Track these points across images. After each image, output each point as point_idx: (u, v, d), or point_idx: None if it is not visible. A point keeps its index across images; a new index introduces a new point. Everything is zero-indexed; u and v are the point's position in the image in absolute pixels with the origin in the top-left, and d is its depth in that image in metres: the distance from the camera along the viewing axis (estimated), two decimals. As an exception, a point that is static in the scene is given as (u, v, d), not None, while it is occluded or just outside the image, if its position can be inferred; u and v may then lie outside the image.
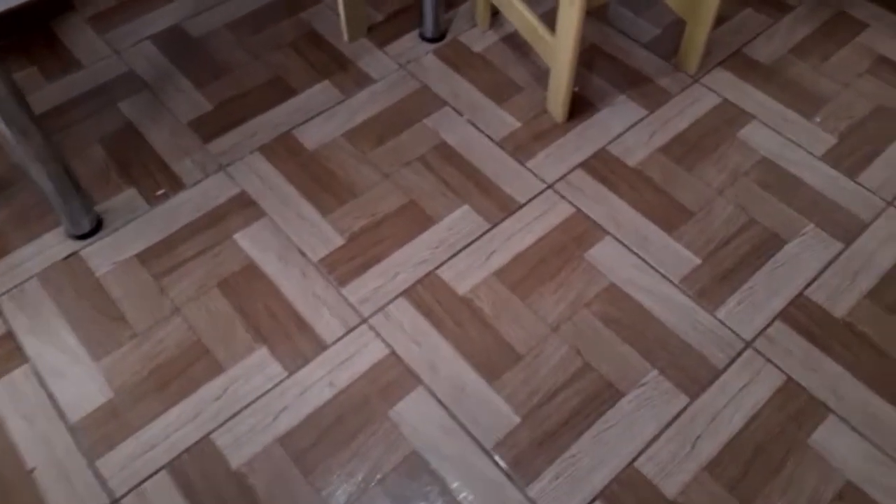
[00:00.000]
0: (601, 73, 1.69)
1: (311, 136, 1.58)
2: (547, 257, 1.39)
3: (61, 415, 1.20)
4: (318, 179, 1.50)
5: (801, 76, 1.67)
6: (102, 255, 1.40)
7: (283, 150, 1.55)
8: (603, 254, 1.39)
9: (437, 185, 1.50)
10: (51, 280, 1.36)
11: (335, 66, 1.71)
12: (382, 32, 1.79)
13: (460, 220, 1.44)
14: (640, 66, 1.70)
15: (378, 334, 1.28)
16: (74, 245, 1.41)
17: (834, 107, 1.62)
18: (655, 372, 1.24)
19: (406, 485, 1.12)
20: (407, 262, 1.38)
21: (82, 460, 1.15)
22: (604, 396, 1.21)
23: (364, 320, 1.30)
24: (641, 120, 1.60)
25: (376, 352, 1.26)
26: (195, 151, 1.55)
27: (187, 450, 1.16)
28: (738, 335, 1.28)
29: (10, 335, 1.29)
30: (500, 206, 1.46)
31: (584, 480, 1.13)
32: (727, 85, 1.66)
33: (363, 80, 1.68)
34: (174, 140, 1.57)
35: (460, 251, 1.40)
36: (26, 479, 1.14)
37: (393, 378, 1.23)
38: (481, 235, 1.42)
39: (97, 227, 1.44)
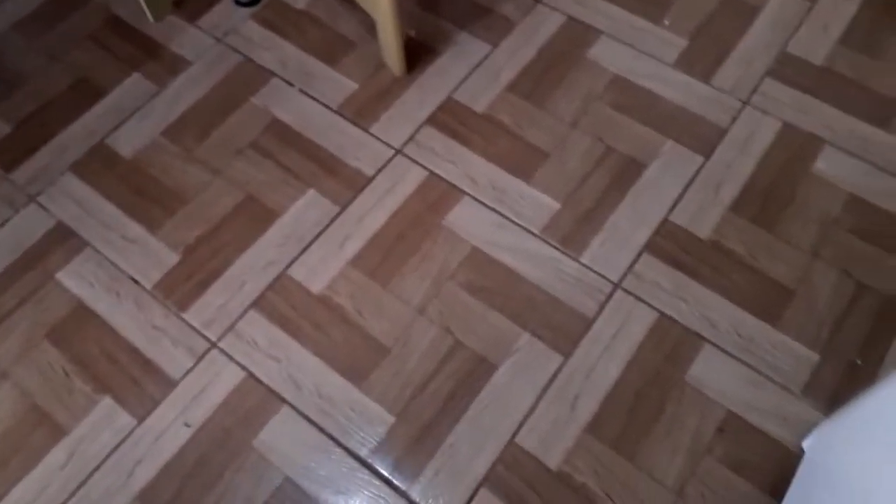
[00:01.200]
0: (439, 9, 1.55)
1: (128, 142, 1.41)
2: (404, 232, 1.29)
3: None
4: (141, 191, 1.35)
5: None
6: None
7: (98, 164, 1.38)
8: (461, 217, 1.30)
9: (275, 172, 1.36)
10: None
11: (144, 55, 1.52)
12: (192, 4, 1.59)
13: (306, 207, 1.32)
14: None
15: (231, 357, 1.18)
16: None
17: (681, 5, 1.52)
18: (527, 335, 1.18)
19: (284, 514, 1.06)
20: (252, 267, 1.26)
21: None
22: (477, 373, 1.15)
23: (213, 345, 1.19)
24: (486, 58, 1.48)
25: (231, 377, 1.16)
26: (-1, 185, 1.38)
27: None
28: (605, 278, 1.23)
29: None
30: (347, 185, 1.35)
31: (466, 470, 1.08)
32: (566, 3, 1.54)
33: (178, 65, 1.50)
34: None
35: (311, 244, 1.29)
36: None
37: (254, 403, 1.14)
38: (331, 222, 1.31)
39: None
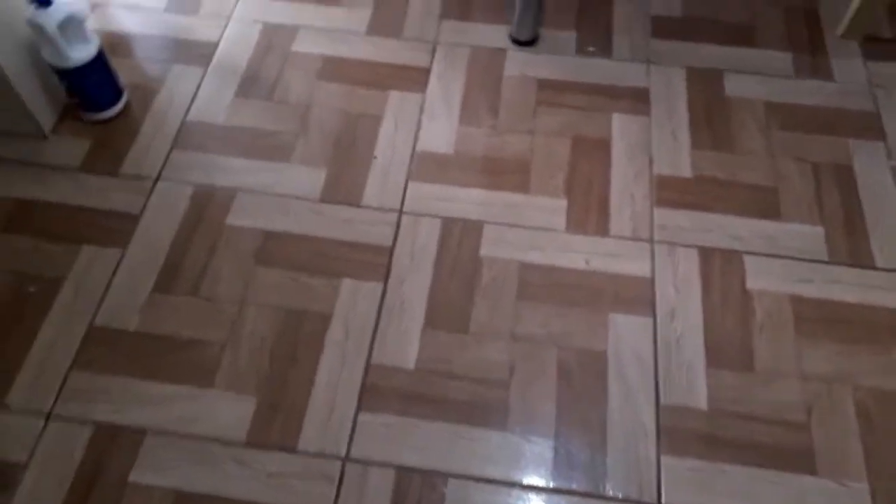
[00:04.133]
0: None
1: (738, 85, 1.58)
2: (857, 323, 1.26)
3: (415, 139, 1.51)
4: (712, 120, 1.52)
5: None
6: (517, 64, 1.63)
7: (704, 81, 1.59)
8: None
9: (811, 190, 1.41)
10: (476, 57, 1.65)
11: (806, 47, 1.65)
12: (880, 49, 1.65)
13: (805, 235, 1.36)
14: None
15: (652, 258, 1.33)
16: (507, 45, 1.67)
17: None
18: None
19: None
20: (725, 228, 1.37)
21: (402, 177, 1.46)
22: (793, 461, 1.12)
23: (650, 241, 1.35)
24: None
25: (638, 269, 1.32)
26: (638, 39, 1.67)
27: (458, 220, 1.39)
28: None
29: (426, 71, 1.62)
30: (852, 252, 1.34)
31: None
32: None
33: (821, 74, 1.60)
34: (632, 20, 1.71)
35: (781, 258, 1.34)
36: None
37: (632, 295, 1.29)
38: (813, 261, 1.33)
39: (531, 43, 1.67)
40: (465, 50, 1.66)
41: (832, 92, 1.57)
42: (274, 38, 1.68)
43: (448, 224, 1.39)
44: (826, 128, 1.51)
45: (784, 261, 1.33)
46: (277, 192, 1.43)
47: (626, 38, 1.67)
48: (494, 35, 1.69)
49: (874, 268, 1.33)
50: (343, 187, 1.45)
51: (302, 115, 1.55)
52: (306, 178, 1.45)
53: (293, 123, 1.54)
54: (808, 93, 1.57)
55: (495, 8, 1.74)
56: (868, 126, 1.52)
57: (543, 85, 1.59)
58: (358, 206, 1.42)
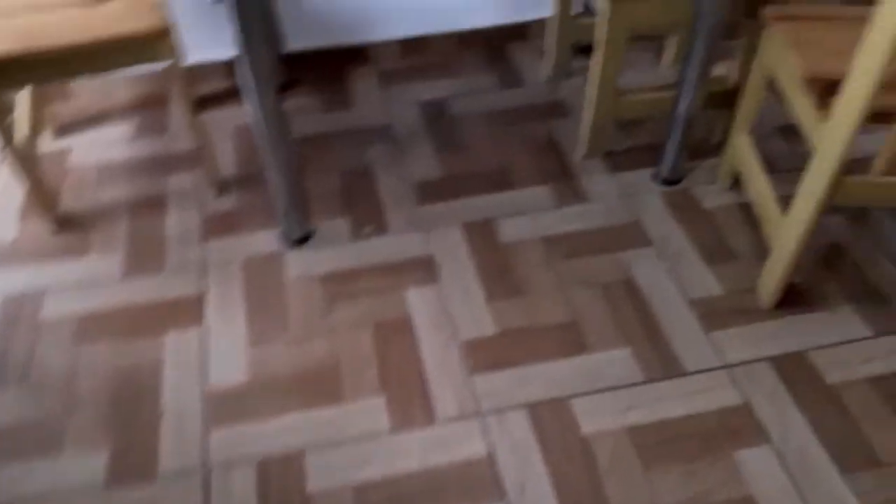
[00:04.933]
0: (834, 274, 1.53)
1: (511, 230, 1.63)
2: (689, 436, 1.26)
3: (204, 378, 1.36)
4: (499, 269, 1.55)
5: None
6: (297, 265, 1.57)
7: (480, 234, 1.63)
8: (754, 461, 1.23)
9: (607, 316, 1.45)
10: (250, 269, 1.56)
11: (559, 176, 1.76)
12: (619, 160, 1.81)
13: (616, 361, 1.38)
14: (882, 282, 1.50)
15: (485, 433, 1.27)
16: (281, 248, 1.61)
17: None
18: None
19: None
20: (543, 377, 1.35)
21: (199, 425, 1.29)
22: None
23: (479, 415, 1.29)
24: (861, 341, 1.41)
25: (475, 451, 1.24)
26: (409, 209, 1.69)
27: (275, 457, 1.24)
28: None
29: (199, 300, 1.50)
30: (663, 365, 1.37)
31: None
32: None
33: (581, 197, 1.71)
34: (398, 193, 1.73)
35: (601, 391, 1.33)
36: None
37: (477, 481, 1.20)
38: (632, 385, 1.34)
39: (305, 240, 1.62)
40: (236, 266, 1.57)
41: (594, 212, 1.67)
42: (17, 311, 1.48)
43: (265, 466, 1.24)
44: (601, 247, 1.59)
45: (606, 394, 1.33)
46: (57, 497, 1.20)
47: (398, 211, 1.69)
48: (265, 241, 1.62)
49: (686, 373, 1.36)
50: (132, 461, 1.25)
51: (66, 390, 1.35)
52: (84, 466, 1.24)
53: (57, 404, 1.33)
54: (574, 218, 1.66)
55: (258, 213, 1.68)
56: (634, 235, 1.62)
57: (329, 279, 1.54)
58: (154, 478, 1.22)
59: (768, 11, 1.44)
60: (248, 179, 1.77)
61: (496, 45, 2.17)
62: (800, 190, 1.31)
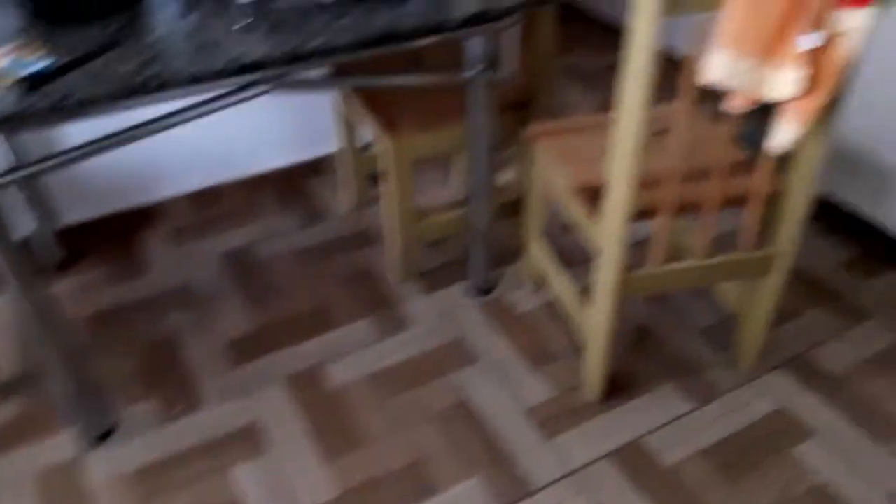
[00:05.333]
0: (648, 356, 1.61)
1: (337, 374, 1.56)
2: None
3: None
4: (330, 421, 1.46)
5: (876, 395, 1.50)
6: (104, 466, 1.38)
7: (306, 384, 1.54)
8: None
9: (448, 447, 1.40)
10: (46, 483, 1.35)
11: (378, 306, 1.74)
12: (433, 280, 1.82)
13: (465, 495, 1.32)
14: (690, 355, 1.60)
15: None
16: (81, 449, 1.41)
17: (911, 436, 1.42)
18: None
19: None
20: (393, 537, 1.26)
21: None
22: None
23: None
24: (685, 415, 1.47)
25: None
26: (223, 374, 1.57)
27: None
28: None
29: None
30: (511, 486, 1.34)
31: None
32: (787, 391, 1.51)
33: (401, 324, 1.69)
34: (208, 359, 1.61)
35: (455, 535, 1.27)
36: None
37: None
38: (482, 520, 1.29)
39: (107, 435, 1.43)
40: (30, 483, 1.35)
41: (418, 337, 1.65)
42: None
43: None
44: (430, 374, 1.56)
45: (460, 536, 1.27)
46: None
47: (212, 380, 1.55)
48: (61, 445, 1.42)
49: (535, 491, 1.34)
50: None
51: None
52: None
53: None
54: (399, 348, 1.62)
55: (48, 414, 1.47)
56: (460, 353, 1.61)
57: (142, 476, 1.36)
58: None
59: (531, 129, 1.54)
60: (31, 378, 1.56)
61: (292, 184, 2.15)
62: (595, 287, 1.37)
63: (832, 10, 1.06)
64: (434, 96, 1.69)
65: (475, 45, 1.40)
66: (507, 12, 1.34)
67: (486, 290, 1.78)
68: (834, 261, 1.83)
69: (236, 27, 1.26)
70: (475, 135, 1.53)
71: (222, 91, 1.23)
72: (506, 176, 2.15)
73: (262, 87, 1.24)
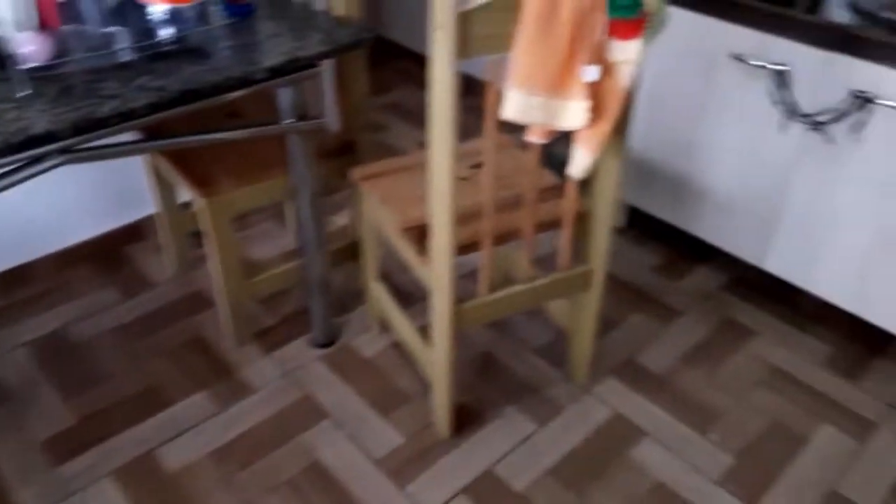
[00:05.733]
0: (492, 382, 1.65)
1: (175, 456, 1.45)
2: None
3: None
4: (168, 511, 1.35)
5: (694, 387, 1.64)
6: None
7: (141, 473, 1.41)
8: None
9: (303, 516, 1.35)
10: None
11: (214, 376, 1.64)
12: (272, 338, 1.76)
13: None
14: (531, 375, 1.66)
15: None
16: None
17: (729, 422, 1.56)
18: None
19: None
20: None
21: None
22: None
23: None
24: (530, 437, 1.51)
25: None
26: (41, 479, 1.40)
27: None
28: None
29: None
30: (370, 543, 1.31)
31: None
32: (619, 397, 1.61)
33: (243, 391, 1.60)
34: (21, 464, 1.43)
35: None
36: None
37: None
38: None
39: None
40: None
41: (261, 401, 1.58)
42: None
43: None
44: (278, 438, 1.49)
45: None
46: None
47: (27, 487, 1.38)
48: None
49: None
50: None
51: None
52: None
53: None
54: (242, 417, 1.54)
55: None
56: (308, 411, 1.56)
57: None
58: None
59: (355, 173, 1.55)
60: None
61: (109, 254, 2.00)
62: (432, 322, 1.39)
63: (608, 44, 1.16)
64: (254, 148, 1.64)
65: (286, 95, 1.38)
66: (315, 60, 1.34)
67: (329, 341, 1.74)
68: (647, 266, 1.99)
69: (19, 95, 1.15)
70: (299, 184, 1.51)
71: (9, 168, 1.12)
72: (340, 220, 2.14)
73: (55, 161, 1.14)
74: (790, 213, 1.67)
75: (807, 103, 1.54)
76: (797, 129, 1.58)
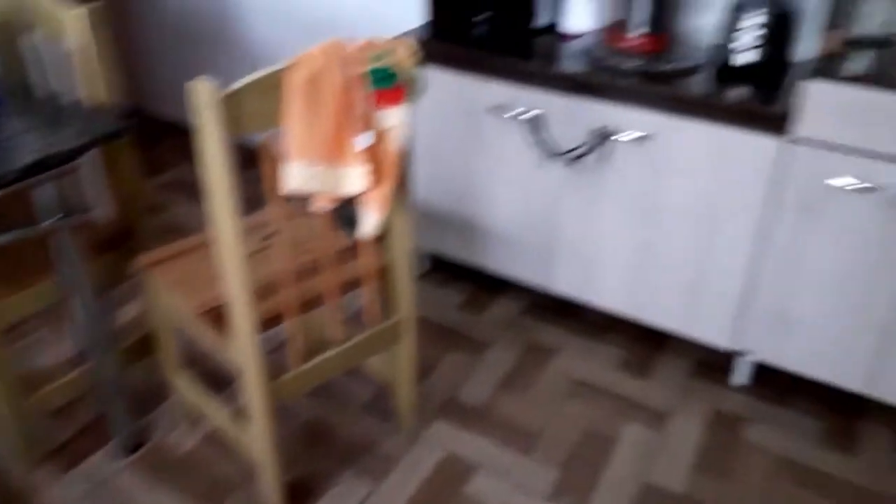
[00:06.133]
0: (322, 450, 1.61)
1: None
2: None
3: None
4: None
5: (513, 412, 1.73)
6: None
7: None
8: None
9: None
10: None
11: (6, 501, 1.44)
12: (70, 454, 1.57)
13: None
14: (360, 433, 1.66)
15: None
16: None
17: (548, 438, 1.67)
18: None
19: None
20: None
21: None
22: None
23: None
24: (367, 498, 1.50)
25: None
26: None
27: None
28: None
29: None
30: None
31: None
32: (447, 437, 1.66)
33: (41, 522, 1.42)
34: None
35: None
36: None
37: None
38: None
39: None
40: None
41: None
42: None
43: None
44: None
45: None
46: None
47: None
48: None
49: None
50: None
51: None
52: None
53: None
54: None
55: None
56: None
57: None
58: None
59: (139, 261, 1.46)
60: None
61: None
62: (248, 404, 1.34)
63: (375, 113, 1.22)
64: (18, 249, 1.48)
65: (46, 192, 1.27)
66: (72, 155, 1.25)
67: (137, 445, 1.60)
68: (453, 305, 2.09)
69: None
70: (73, 285, 1.38)
71: None
72: (128, 313, 1.99)
73: None
74: (564, 238, 1.86)
75: (561, 142, 1.73)
76: (557, 165, 1.77)
